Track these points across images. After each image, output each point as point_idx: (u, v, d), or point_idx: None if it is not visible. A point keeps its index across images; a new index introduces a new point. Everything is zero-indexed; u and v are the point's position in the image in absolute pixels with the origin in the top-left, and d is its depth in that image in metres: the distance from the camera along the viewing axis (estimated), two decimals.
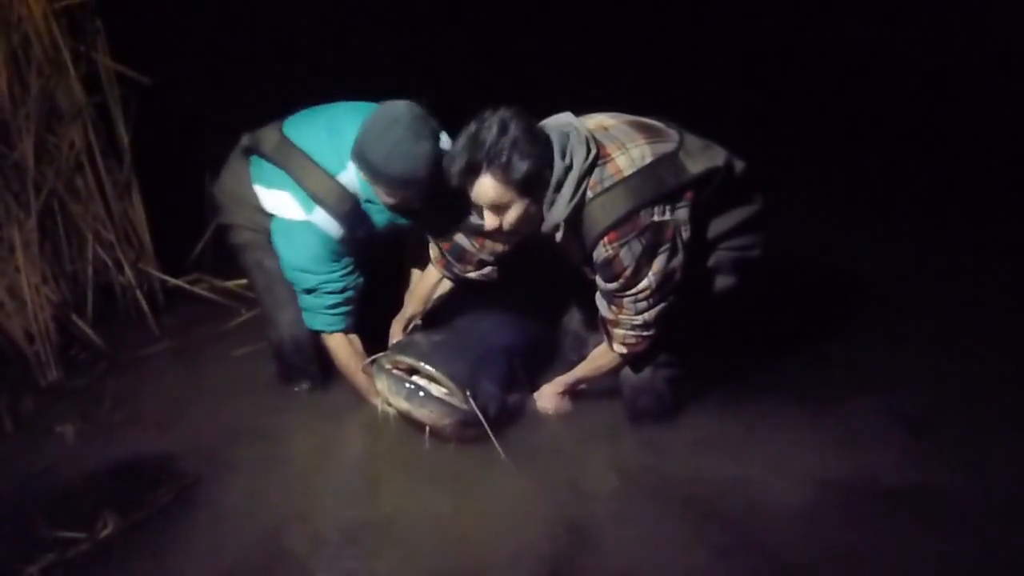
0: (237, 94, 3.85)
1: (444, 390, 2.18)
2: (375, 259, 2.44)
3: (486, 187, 1.94)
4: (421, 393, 2.17)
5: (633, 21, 5.40)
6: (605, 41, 5.31)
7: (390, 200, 2.20)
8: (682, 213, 1.98)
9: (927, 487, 2.06)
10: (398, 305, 2.53)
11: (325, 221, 2.22)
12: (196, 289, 3.14)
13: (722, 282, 2.17)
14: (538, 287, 2.55)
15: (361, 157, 2.12)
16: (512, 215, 1.97)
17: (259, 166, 2.32)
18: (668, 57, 5.10)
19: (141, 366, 2.76)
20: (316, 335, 2.40)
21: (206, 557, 1.92)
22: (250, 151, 2.33)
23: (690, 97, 4.56)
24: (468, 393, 2.16)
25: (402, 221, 2.35)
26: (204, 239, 3.23)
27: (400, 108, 2.10)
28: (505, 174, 1.89)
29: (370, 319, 2.42)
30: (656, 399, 2.26)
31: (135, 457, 2.28)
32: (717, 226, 2.10)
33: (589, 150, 1.95)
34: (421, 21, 4.60)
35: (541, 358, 2.48)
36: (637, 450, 2.24)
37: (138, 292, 3.03)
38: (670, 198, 1.96)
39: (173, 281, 3.12)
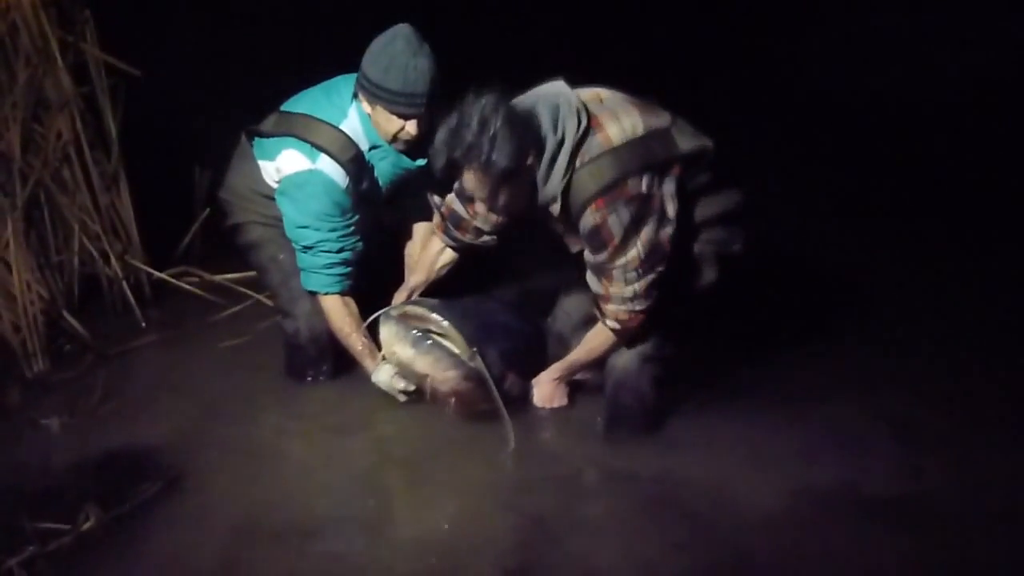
0: (227, 85, 3.84)
1: (452, 346, 2.17)
2: (377, 227, 2.48)
3: (469, 182, 1.98)
4: (429, 341, 2.14)
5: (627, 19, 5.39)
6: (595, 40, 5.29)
7: (392, 126, 2.23)
8: (669, 186, 2.00)
9: (909, 491, 2.05)
10: (399, 278, 2.55)
11: (331, 168, 2.27)
12: (182, 283, 3.13)
13: (703, 277, 2.17)
14: (535, 282, 2.57)
15: (363, 78, 2.20)
16: (500, 201, 1.99)
17: (261, 145, 2.38)
18: (656, 52, 5.09)
19: (127, 359, 2.75)
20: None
21: (189, 551, 1.92)
22: (251, 135, 2.39)
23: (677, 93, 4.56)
24: (475, 350, 2.15)
25: (407, 164, 2.37)
26: (192, 232, 3.22)
27: (400, 27, 2.18)
28: (486, 170, 1.91)
29: (370, 291, 2.44)
30: (638, 398, 2.23)
31: (120, 450, 2.27)
32: (701, 211, 2.10)
33: (580, 121, 1.96)
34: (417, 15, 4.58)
35: (537, 350, 2.46)
36: (612, 446, 2.23)
37: (125, 284, 3.02)
38: (659, 170, 1.98)
39: (159, 274, 3.11)
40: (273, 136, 2.33)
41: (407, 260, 2.63)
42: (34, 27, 2.72)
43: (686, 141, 2.03)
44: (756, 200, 2.18)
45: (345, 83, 2.32)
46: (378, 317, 2.28)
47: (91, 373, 2.65)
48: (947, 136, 4.24)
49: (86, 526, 1.95)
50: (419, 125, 2.23)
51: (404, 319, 2.21)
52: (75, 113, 2.86)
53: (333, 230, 2.30)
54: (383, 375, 2.35)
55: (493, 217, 2.11)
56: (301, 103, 2.35)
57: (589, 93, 2.06)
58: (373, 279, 2.49)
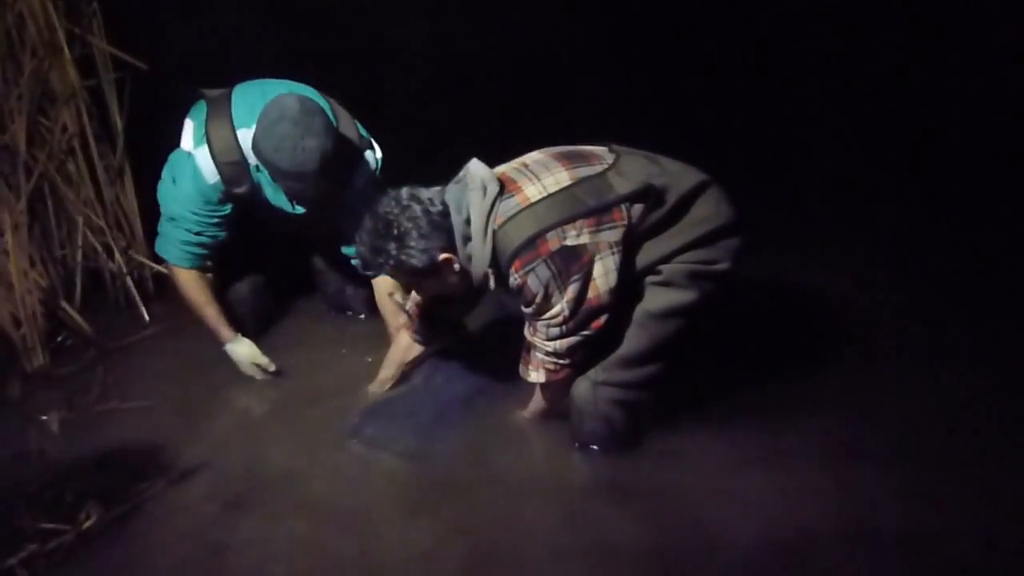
0: (234, 80, 3.80)
1: None
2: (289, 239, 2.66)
3: (392, 281, 2.16)
4: None
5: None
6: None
7: (282, 193, 2.32)
8: (608, 235, 1.93)
9: (907, 515, 1.97)
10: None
11: (204, 162, 2.32)
12: None
13: (678, 296, 2.02)
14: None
15: (255, 147, 2.19)
16: (433, 290, 2.08)
17: (198, 105, 2.44)
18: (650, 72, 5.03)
19: (129, 354, 2.74)
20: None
21: (190, 551, 1.90)
22: (199, 95, 2.44)
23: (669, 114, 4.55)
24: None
25: (285, 206, 2.42)
26: None
27: (288, 102, 2.15)
28: (398, 273, 2.01)
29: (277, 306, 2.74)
30: (603, 422, 2.13)
31: (121, 447, 2.25)
32: (676, 237, 2.01)
33: (485, 191, 1.94)
34: (424, 17, 4.55)
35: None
36: (589, 463, 2.18)
37: (128, 279, 3.01)
38: (589, 218, 1.92)
39: (163, 269, 3.09)
40: (201, 100, 2.39)
41: (381, 310, 2.59)
42: (41, 19, 2.71)
43: (625, 183, 1.96)
44: (746, 212, 2.11)
45: (284, 91, 2.30)
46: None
47: (92, 368, 2.64)
48: (950, 148, 4.20)
49: (87, 524, 1.94)
50: (315, 195, 2.24)
51: None
52: (81, 106, 2.85)
53: (195, 213, 2.37)
54: (241, 349, 2.42)
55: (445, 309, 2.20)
56: (242, 91, 2.39)
57: (510, 164, 2.06)
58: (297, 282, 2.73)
